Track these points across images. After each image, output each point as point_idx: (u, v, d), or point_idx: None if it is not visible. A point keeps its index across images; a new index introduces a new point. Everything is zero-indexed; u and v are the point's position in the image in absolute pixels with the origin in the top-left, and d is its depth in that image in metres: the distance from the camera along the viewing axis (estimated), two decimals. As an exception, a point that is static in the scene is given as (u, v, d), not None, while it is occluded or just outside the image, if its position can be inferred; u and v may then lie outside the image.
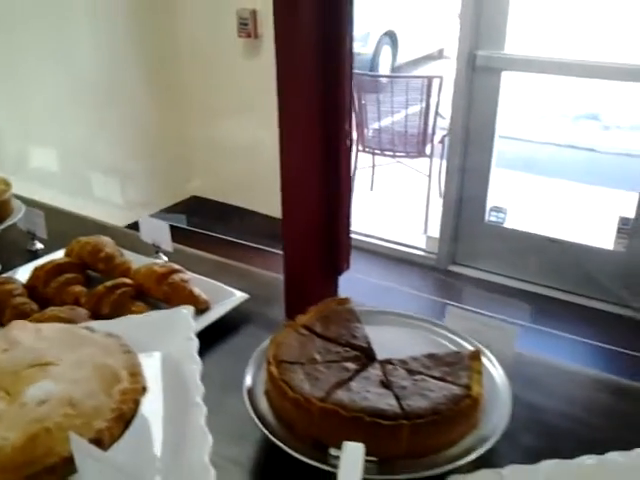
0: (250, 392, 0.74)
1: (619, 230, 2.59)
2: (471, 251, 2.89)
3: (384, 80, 3.67)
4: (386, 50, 5.07)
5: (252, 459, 0.74)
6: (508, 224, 2.81)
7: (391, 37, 5.08)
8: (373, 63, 4.88)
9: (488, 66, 2.55)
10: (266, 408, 0.73)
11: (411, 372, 0.73)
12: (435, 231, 3.00)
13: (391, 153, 3.26)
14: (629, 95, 3.26)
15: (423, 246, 3.07)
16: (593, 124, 4.41)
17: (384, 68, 5.05)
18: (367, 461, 0.63)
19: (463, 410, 0.66)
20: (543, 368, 0.93)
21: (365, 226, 3.22)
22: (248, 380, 0.75)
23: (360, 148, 3.28)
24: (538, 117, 4.45)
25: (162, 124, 3.26)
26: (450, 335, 0.84)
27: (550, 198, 3.39)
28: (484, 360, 0.78)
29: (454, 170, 2.78)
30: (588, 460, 0.70)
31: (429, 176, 3.16)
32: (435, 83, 3.00)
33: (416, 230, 3.22)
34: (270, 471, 0.73)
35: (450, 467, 0.64)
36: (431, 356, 0.75)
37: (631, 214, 2.51)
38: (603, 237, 2.67)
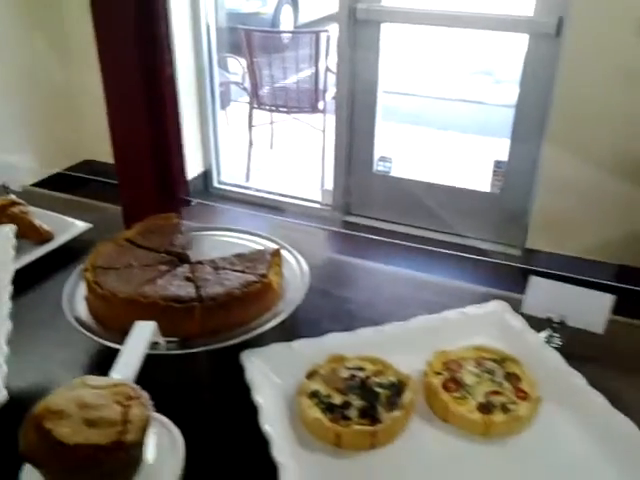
0: (70, 299, 0.80)
1: (494, 172, 2.78)
2: (363, 201, 3.02)
3: (276, 37, 3.70)
4: (287, 10, 5.08)
5: (80, 360, 0.81)
6: (394, 173, 2.95)
7: (291, -4, 5.11)
8: (273, 23, 4.89)
9: (368, 19, 2.64)
10: (84, 311, 0.79)
11: (217, 268, 0.81)
12: (331, 184, 3.10)
13: (285, 109, 3.32)
14: (517, 49, 3.44)
15: (320, 199, 3.18)
16: (487, 79, 4.63)
17: (286, 28, 5.06)
18: (169, 341, 0.72)
19: (253, 292, 0.75)
20: (362, 271, 1.04)
21: (266, 183, 3.30)
22: (67, 288, 0.82)
23: (255, 105, 3.33)
24: (436, 73, 4.61)
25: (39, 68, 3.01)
26: (269, 243, 0.93)
27: (435, 148, 3.56)
28: (291, 258, 0.87)
29: (342, 124, 2.88)
30: (367, 331, 0.81)
31: (323, 131, 3.25)
32: (323, 38, 3.07)
33: (314, 184, 3.32)
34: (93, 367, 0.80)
35: (241, 339, 0.73)
36: (238, 255, 0.84)
37: (505, 157, 2.70)
38: (482, 180, 2.85)
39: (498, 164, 2.76)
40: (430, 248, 2.41)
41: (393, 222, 2.93)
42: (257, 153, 3.50)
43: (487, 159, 2.86)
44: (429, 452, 0.69)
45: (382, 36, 2.67)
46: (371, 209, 3.00)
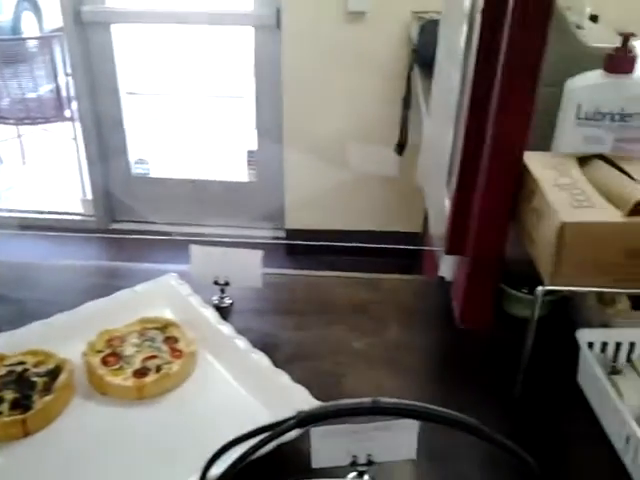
0: None
1: (248, 162, 2.90)
2: (127, 206, 2.96)
3: (14, 45, 3.45)
4: (29, 16, 4.74)
5: None
6: (154, 174, 2.94)
7: (30, 1, 4.75)
8: (14, 31, 4.53)
9: (95, 21, 2.58)
10: None
11: None
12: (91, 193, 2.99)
13: (29, 121, 3.13)
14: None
15: (82, 210, 3.05)
16: (231, 72, 4.62)
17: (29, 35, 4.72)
18: None
19: None
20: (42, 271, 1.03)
21: (21, 201, 3.08)
22: None
23: (-7, 120, 3.08)
24: (183, 70, 4.58)
25: None
26: None
27: (192, 144, 3.60)
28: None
29: (89, 130, 2.79)
30: (34, 326, 0.82)
31: (75, 139, 3.12)
32: (57, 43, 2.93)
33: (75, 196, 3.17)
34: None
35: None
36: None
37: (255, 147, 2.82)
38: (239, 171, 2.96)
39: (251, 154, 2.89)
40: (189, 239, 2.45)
41: (161, 223, 2.92)
42: (7, 171, 3.25)
43: (241, 150, 2.97)
44: (89, 427, 0.72)
45: (114, 37, 2.63)
46: (136, 213, 2.96)
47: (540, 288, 0.71)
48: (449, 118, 1.03)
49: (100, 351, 0.79)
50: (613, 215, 0.68)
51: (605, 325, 0.83)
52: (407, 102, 2.22)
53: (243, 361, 0.78)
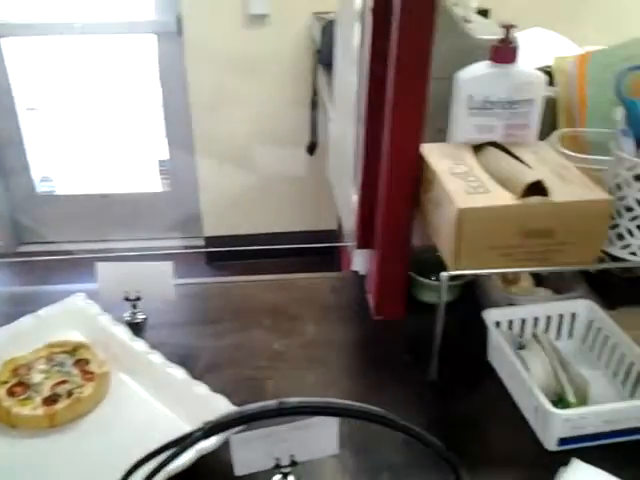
0: None
1: (161, 172, 2.84)
2: (35, 227, 2.83)
3: None
4: None
5: None
6: (60, 191, 2.82)
7: None
8: None
9: (-18, 35, 2.44)
10: None
11: None
12: (-5, 216, 2.84)
13: None
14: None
15: (-14, 235, 2.88)
16: (138, 81, 4.52)
17: None
18: None
19: None
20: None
21: None
22: None
23: None
24: (87, 84, 4.42)
25: None
26: None
27: (100, 158, 3.48)
28: None
29: (-14, 149, 2.64)
30: None
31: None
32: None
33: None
34: None
35: None
36: None
37: (166, 156, 2.77)
38: (152, 181, 2.89)
39: (162, 163, 2.82)
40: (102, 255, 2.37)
41: (71, 242, 2.80)
42: None
43: (152, 160, 2.90)
44: (0, 463, 0.68)
45: (5, 52, 2.50)
46: (44, 233, 2.83)
47: (444, 274, 0.73)
48: (350, 116, 1.05)
49: (5, 382, 0.75)
50: (507, 198, 0.71)
51: (511, 304, 0.87)
52: (315, 103, 2.24)
53: (159, 376, 0.76)
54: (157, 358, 0.78)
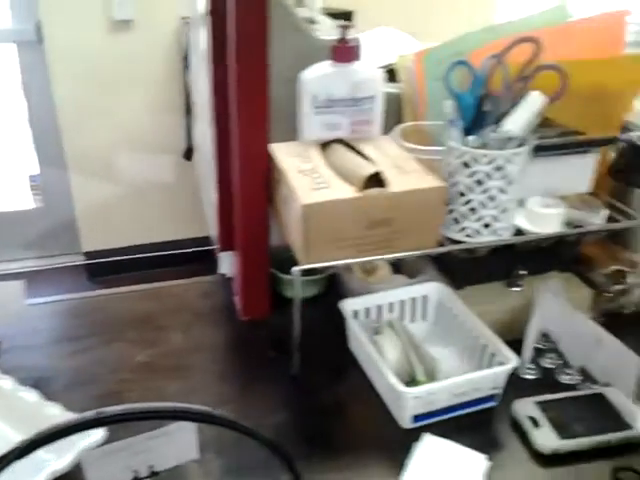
0: None
1: (32, 187, 2.69)
2: None
3: None
4: None
5: None
6: None
7: None
8: None
9: None
10: None
11: None
12: None
13: None
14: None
15: None
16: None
17: None
18: None
19: None
20: None
21: None
22: None
23: None
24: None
25: None
26: None
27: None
28: None
29: None
30: None
31: None
32: None
33: None
34: None
35: None
36: None
37: (37, 170, 2.62)
38: (24, 198, 2.73)
39: (33, 178, 2.67)
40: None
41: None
42: None
43: (22, 175, 2.74)
44: None
45: None
46: None
47: (295, 269, 0.75)
48: (207, 119, 1.05)
49: None
50: (348, 192, 0.74)
51: (371, 293, 0.91)
52: (188, 107, 2.21)
53: (9, 402, 0.72)
54: (8, 383, 0.74)
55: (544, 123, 0.90)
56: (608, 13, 0.92)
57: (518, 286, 0.88)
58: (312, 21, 1.09)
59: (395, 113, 1.05)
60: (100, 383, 0.81)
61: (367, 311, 0.86)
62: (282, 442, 0.48)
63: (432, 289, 0.88)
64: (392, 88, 1.05)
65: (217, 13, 0.84)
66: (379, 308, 0.87)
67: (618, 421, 0.72)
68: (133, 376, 0.83)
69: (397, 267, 0.98)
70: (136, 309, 0.97)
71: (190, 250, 2.50)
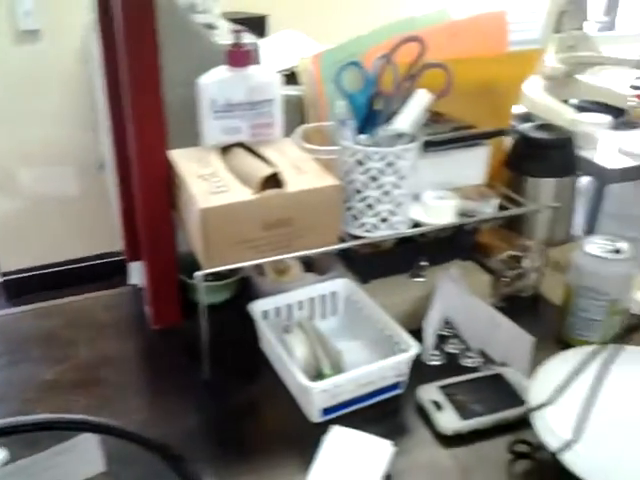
0: None
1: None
2: None
3: None
4: None
5: None
6: None
7: None
8: None
9: None
10: None
11: None
12: None
13: None
14: None
15: None
16: None
17: None
18: None
19: None
20: None
21: None
22: None
23: None
24: None
25: None
26: None
27: None
28: None
29: None
30: None
31: None
32: None
33: None
34: None
35: None
36: None
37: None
38: None
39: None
40: None
41: None
42: None
43: None
44: None
45: None
46: None
47: (198, 273, 0.75)
48: (106, 128, 1.03)
49: None
50: (245, 194, 0.75)
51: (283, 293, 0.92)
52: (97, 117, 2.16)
53: None
54: None
55: (438, 119, 0.94)
56: (489, 13, 0.97)
57: (421, 277, 0.92)
58: (211, 26, 1.09)
59: (298, 115, 1.07)
60: (4, 404, 0.79)
61: (277, 311, 0.87)
62: (188, 446, 0.48)
63: (340, 285, 0.90)
64: (294, 90, 1.07)
65: (104, 18, 0.83)
66: (289, 307, 0.88)
67: (515, 398, 0.76)
68: (39, 395, 0.81)
69: (308, 266, 1.00)
70: (42, 326, 0.95)
71: (109, 262, 2.44)
